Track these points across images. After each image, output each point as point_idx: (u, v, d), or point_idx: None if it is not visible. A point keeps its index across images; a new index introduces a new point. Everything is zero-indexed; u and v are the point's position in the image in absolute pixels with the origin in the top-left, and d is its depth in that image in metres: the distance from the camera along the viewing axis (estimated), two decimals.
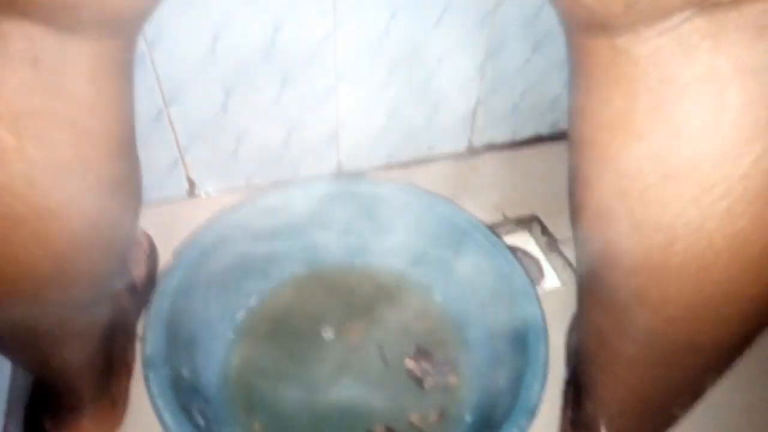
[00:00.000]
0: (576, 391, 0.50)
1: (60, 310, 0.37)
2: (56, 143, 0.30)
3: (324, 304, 0.64)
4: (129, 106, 0.35)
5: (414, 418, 0.55)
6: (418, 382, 0.57)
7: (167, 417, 0.43)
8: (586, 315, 0.42)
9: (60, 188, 0.31)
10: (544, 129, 0.84)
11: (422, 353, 0.59)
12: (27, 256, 0.31)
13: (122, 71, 0.33)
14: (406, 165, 0.80)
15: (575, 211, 0.37)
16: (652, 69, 0.28)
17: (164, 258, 0.64)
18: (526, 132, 0.84)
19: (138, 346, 0.56)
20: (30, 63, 0.28)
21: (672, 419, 0.43)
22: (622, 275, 0.34)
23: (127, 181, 0.36)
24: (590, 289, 0.39)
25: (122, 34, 0.32)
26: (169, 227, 0.65)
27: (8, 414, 0.48)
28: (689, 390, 0.39)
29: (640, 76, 0.29)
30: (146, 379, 0.45)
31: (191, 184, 0.72)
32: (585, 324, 0.43)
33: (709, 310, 0.32)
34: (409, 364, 0.58)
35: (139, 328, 0.57)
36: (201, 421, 0.47)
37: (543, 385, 0.47)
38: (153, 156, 0.67)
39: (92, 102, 0.31)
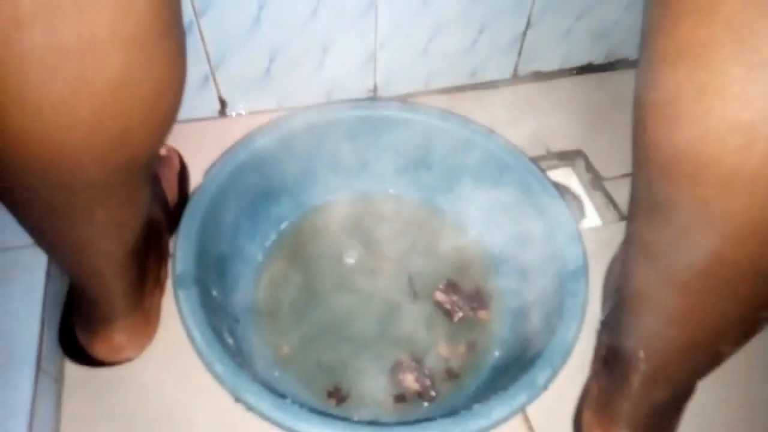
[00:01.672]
0: (613, 331, 0.49)
1: (99, 185, 0.35)
2: None
3: (355, 232, 0.62)
4: None
5: (441, 350, 0.55)
6: (447, 314, 0.57)
7: (197, 335, 0.43)
8: (639, 238, 0.39)
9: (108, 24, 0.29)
10: (597, 57, 0.78)
11: (452, 287, 0.57)
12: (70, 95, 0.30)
13: None
14: (446, 91, 0.76)
15: (639, 115, 0.34)
16: None
17: (195, 178, 0.63)
18: (577, 60, 0.78)
19: (170, 265, 0.56)
20: None
21: (718, 357, 0.40)
22: (686, 186, 0.31)
23: (174, 48, 0.34)
24: (646, 207, 0.36)
25: None
26: (200, 146, 0.64)
27: (43, 326, 0.49)
28: (742, 324, 0.37)
29: None
30: (176, 297, 0.45)
31: (223, 103, 0.70)
32: (635, 250, 0.40)
33: None
34: (439, 296, 0.57)
35: (172, 247, 0.57)
36: (230, 341, 0.48)
37: (580, 325, 0.46)
38: None
39: None
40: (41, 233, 0.40)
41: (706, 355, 0.40)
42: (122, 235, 0.42)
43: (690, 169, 0.30)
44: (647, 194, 0.35)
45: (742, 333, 0.38)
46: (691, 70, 0.29)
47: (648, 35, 0.32)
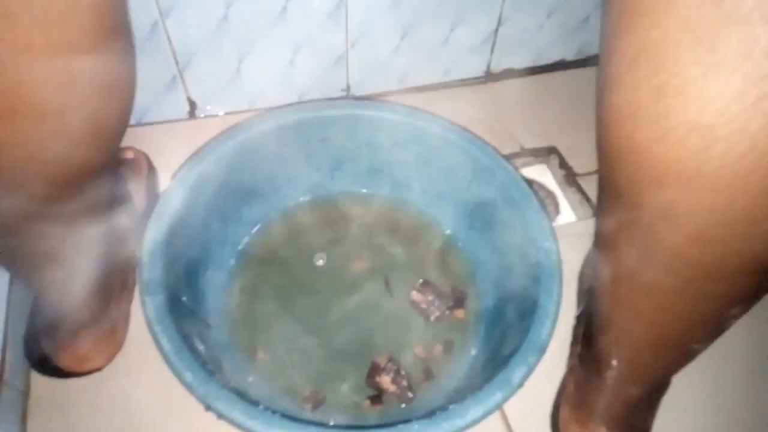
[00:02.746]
0: (587, 327, 0.49)
1: (53, 195, 0.34)
2: None
3: (329, 234, 0.62)
4: None
5: (418, 350, 0.54)
6: (424, 314, 0.56)
7: (164, 343, 0.42)
8: (605, 239, 0.39)
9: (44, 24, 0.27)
10: (569, 54, 0.79)
11: (428, 286, 0.57)
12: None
13: None
14: (419, 89, 0.75)
15: (600, 115, 0.33)
16: None
17: (165, 182, 0.62)
18: (550, 57, 0.78)
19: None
20: None
21: (689, 354, 0.41)
22: (648, 188, 0.31)
23: (119, 53, 0.33)
24: (611, 208, 0.36)
25: None
26: (169, 149, 0.62)
27: (7, 336, 0.47)
28: (711, 323, 0.37)
29: None
30: (143, 304, 0.44)
31: (192, 105, 0.69)
32: (603, 249, 0.40)
33: (741, 227, 0.29)
34: (415, 296, 0.57)
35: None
36: (202, 348, 0.46)
37: (554, 323, 0.46)
38: (149, 72, 0.63)
39: None
40: None
41: (677, 352, 0.40)
42: (83, 246, 0.41)
43: (651, 170, 0.30)
44: (612, 194, 0.35)
45: (712, 331, 0.38)
46: (649, 70, 0.28)
47: (606, 34, 0.32)
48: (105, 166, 0.37)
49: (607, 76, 0.32)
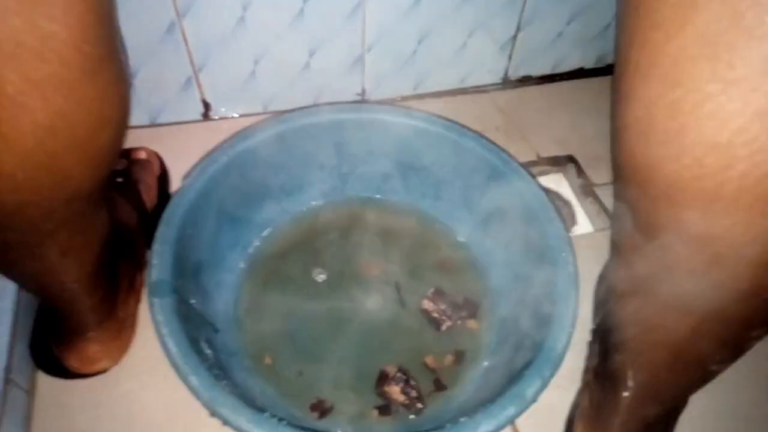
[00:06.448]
0: (602, 343, 0.47)
1: (50, 210, 0.34)
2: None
3: (341, 239, 0.61)
4: None
5: (429, 360, 0.53)
6: (435, 323, 0.55)
7: (171, 345, 0.41)
8: (621, 256, 0.38)
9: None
10: (588, 62, 0.77)
11: (440, 295, 0.56)
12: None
13: None
14: (436, 95, 0.74)
15: (615, 130, 0.32)
16: None
17: (177, 184, 0.61)
18: (569, 65, 0.77)
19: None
20: None
21: (707, 375, 0.39)
22: (664, 208, 0.30)
23: (109, 80, 0.32)
24: (626, 223, 0.35)
25: None
26: (183, 150, 0.62)
27: (14, 336, 0.47)
28: (730, 344, 0.36)
29: None
30: (151, 305, 0.43)
31: (206, 106, 0.68)
32: (619, 266, 0.39)
33: (761, 251, 0.28)
34: (426, 305, 0.55)
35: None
36: (209, 352, 0.46)
37: (570, 336, 0.44)
38: (165, 73, 0.63)
39: None
40: None
41: (696, 373, 0.39)
42: (80, 261, 0.41)
43: (666, 189, 0.29)
44: (627, 211, 0.34)
45: (732, 352, 0.36)
46: (664, 86, 0.27)
47: (620, 46, 0.31)
48: (97, 188, 0.36)
49: (620, 89, 0.31)
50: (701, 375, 0.39)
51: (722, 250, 0.28)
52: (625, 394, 0.41)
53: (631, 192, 0.32)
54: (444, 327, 0.55)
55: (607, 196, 0.66)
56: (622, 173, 0.33)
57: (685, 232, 0.29)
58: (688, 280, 0.31)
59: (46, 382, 0.49)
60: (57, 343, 0.48)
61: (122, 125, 0.34)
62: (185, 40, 0.61)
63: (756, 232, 0.27)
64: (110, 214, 0.43)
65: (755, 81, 0.24)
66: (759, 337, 0.34)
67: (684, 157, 0.27)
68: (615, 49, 0.32)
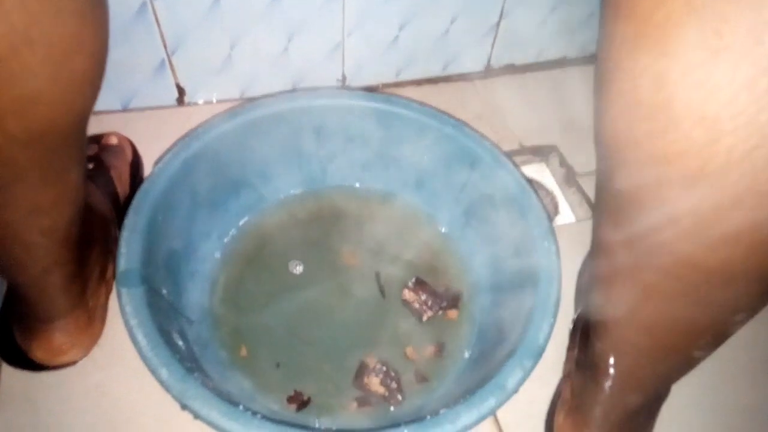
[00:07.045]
0: (584, 332, 0.47)
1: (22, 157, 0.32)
2: None
3: (321, 228, 0.59)
4: None
5: (409, 351, 0.52)
6: (416, 314, 0.54)
7: (140, 337, 0.40)
8: (603, 240, 0.37)
9: None
10: (572, 51, 0.77)
11: (421, 285, 0.55)
12: None
13: None
14: (416, 83, 0.73)
15: (599, 108, 0.31)
16: None
17: (149, 170, 0.59)
18: (552, 53, 0.76)
19: None
20: None
21: (691, 362, 0.39)
22: (650, 187, 0.29)
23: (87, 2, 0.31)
24: (610, 207, 0.34)
25: None
26: (156, 136, 0.60)
27: None
28: (714, 329, 0.35)
29: None
30: (119, 296, 0.41)
31: (181, 91, 0.66)
32: (601, 251, 0.38)
33: (748, 230, 0.27)
34: (407, 295, 0.54)
35: None
36: (181, 343, 0.44)
37: (552, 326, 0.44)
38: (136, 56, 0.60)
39: None
40: None
41: (679, 359, 0.38)
42: (49, 221, 0.38)
43: (652, 166, 0.28)
44: (610, 192, 0.33)
45: (715, 338, 0.36)
46: (650, 57, 0.26)
47: (605, 18, 0.30)
48: (71, 127, 0.35)
49: (605, 63, 0.30)
50: (683, 362, 0.39)
51: (709, 231, 0.28)
52: (607, 383, 0.41)
53: (614, 171, 0.31)
54: (425, 318, 0.54)
55: (590, 186, 0.65)
56: (605, 152, 0.32)
57: (671, 212, 0.28)
58: (672, 263, 0.31)
59: (11, 374, 0.47)
60: (23, 334, 0.46)
61: (99, 56, 0.33)
62: (157, 21, 0.59)
63: (744, 209, 0.26)
64: (84, 188, 0.41)
65: (743, 49, 0.23)
66: (743, 322, 0.34)
67: (670, 132, 0.26)
68: (600, 25, 0.31)
